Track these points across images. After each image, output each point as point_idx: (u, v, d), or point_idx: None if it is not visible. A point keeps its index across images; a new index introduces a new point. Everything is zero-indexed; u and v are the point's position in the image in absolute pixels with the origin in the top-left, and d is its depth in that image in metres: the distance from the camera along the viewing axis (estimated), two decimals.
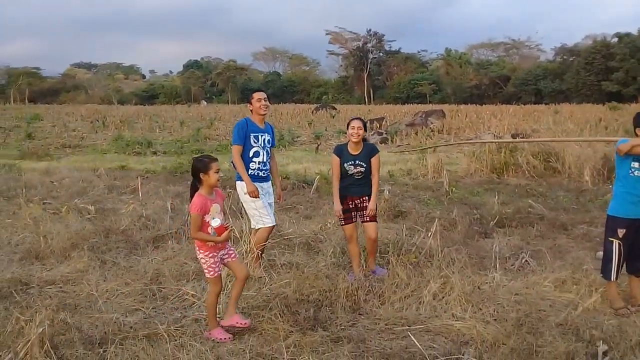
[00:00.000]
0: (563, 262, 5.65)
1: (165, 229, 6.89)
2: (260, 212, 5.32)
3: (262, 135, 5.41)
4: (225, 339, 3.91)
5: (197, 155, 4.27)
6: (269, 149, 5.51)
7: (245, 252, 5.22)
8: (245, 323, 4.00)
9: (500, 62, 73.30)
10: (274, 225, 5.44)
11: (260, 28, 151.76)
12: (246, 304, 4.37)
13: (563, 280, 4.92)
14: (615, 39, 58.58)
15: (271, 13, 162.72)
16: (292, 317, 4.10)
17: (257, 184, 5.30)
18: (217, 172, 3.95)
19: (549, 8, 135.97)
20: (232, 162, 5.48)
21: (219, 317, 4.08)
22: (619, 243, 4.43)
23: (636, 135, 4.39)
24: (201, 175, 3.92)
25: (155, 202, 8.62)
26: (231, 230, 4.07)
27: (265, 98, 5.46)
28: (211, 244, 3.92)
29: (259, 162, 5.39)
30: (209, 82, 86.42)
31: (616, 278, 4.47)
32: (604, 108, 35.93)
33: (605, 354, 3.62)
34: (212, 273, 3.98)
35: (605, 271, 4.52)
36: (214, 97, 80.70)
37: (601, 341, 3.72)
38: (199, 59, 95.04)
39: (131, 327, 4.08)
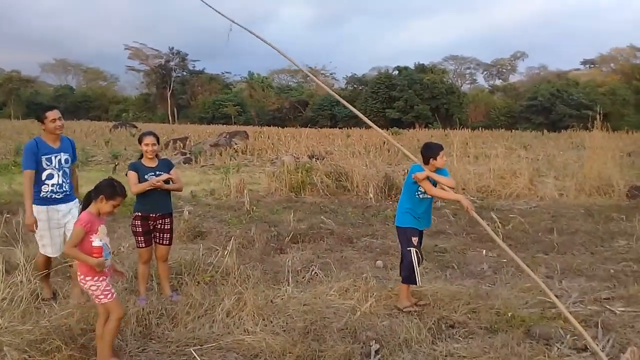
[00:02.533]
0: (347, 272, 6.18)
1: None
2: (42, 240, 4.93)
3: (56, 156, 4.99)
4: None
5: (110, 178, 3.84)
6: (66, 169, 5.09)
7: (21, 282, 4.71)
8: None
9: (299, 88, 77.53)
10: (54, 257, 5.02)
11: (50, 37, 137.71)
12: (20, 338, 3.94)
13: (346, 288, 5.37)
14: (396, 72, 66.27)
15: (64, 22, 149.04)
16: (75, 347, 3.83)
17: (52, 207, 4.93)
18: (115, 207, 3.69)
19: (341, 39, 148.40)
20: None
21: None
22: (415, 250, 4.95)
23: (426, 164, 4.96)
24: (101, 197, 3.64)
25: None
26: (109, 262, 3.72)
27: (60, 117, 5.05)
28: (97, 268, 3.57)
29: (53, 185, 4.95)
30: None
31: (419, 281, 5.00)
32: (388, 133, 40.27)
33: (377, 352, 4.09)
34: (109, 296, 3.70)
35: (410, 278, 4.96)
36: None
37: (374, 341, 4.19)
38: None
39: None
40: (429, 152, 4.98)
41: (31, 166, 4.87)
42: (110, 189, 3.71)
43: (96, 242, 3.63)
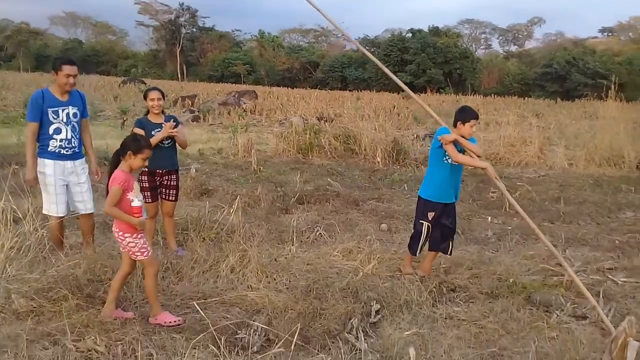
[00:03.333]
0: (352, 233, 6.22)
1: None
2: (49, 197, 4.81)
3: (63, 110, 4.78)
4: (175, 321, 3.72)
5: (133, 134, 3.85)
6: (75, 124, 4.86)
7: (29, 232, 4.77)
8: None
9: (310, 48, 76.40)
10: (63, 216, 4.89)
11: None
12: (28, 287, 4.02)
13: (350, 249, 5.41)
14: (409, 35, 65.02)
15: None
16: (81, 297, 3.90)
17: (60, 162, 4.78)
18: (145, 161, 3.71)
19: (353, 0, 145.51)
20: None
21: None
22: (428, 225, 4.81)
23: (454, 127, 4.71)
24: (129, 154, 3.65)
25: None
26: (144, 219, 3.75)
27: (75, 75, 4.78)
28: (139, 227, 3.65)
29: (61, 140, 4.77)
30: None
31: (418, 254, 4.96)
32: (398, 97, 39.84)
33: (377, 312, 4.14)
34: (145, 253, 3.74)
35: (411, 247, 4.94)
36: (1, 62, 70.69)
37: (375, 301, 4.23)
38: None
39: None
40: (462, 115, 4.71)
41: (35, 118, 4.72)
42: (136, 142, 3.73)
43: (136, 202, 3.64)
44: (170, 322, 3.75)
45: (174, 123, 5.21)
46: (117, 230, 3.75)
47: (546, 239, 3.94)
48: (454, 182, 4.85)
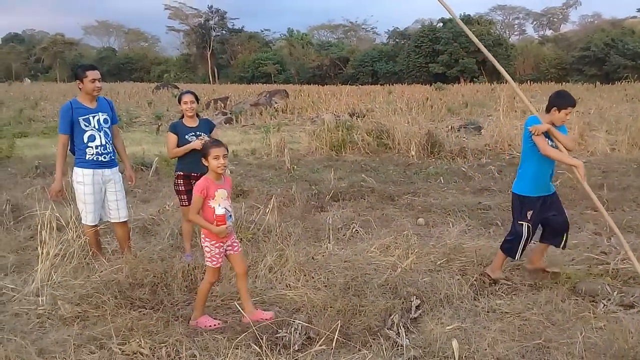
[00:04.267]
0: (388, 229, 6.15)
1: None
2: (85, 207, 4.88)
3: (94, 116, 4.85)
4: (213, 324, 3.79)
5: (210, 138, 3.97)
6: (107, 130, 4.92)
7: (72, 239, 4.90)
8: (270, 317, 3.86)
9: (340, 44, 76.31)
10: (96, 225, 4.98)
11: None
12: (73, 293, 4.14)
13: (387, 245, 5.36)
14: (441, 24, 64.08)
15: None
16: (124, 302, 3.99)
17: (98, 171, 4.86)
18: (218, 159, 3.70)
19: None
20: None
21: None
22: (528, 226, 4.44)
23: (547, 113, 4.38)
24: (203, 159, 3.77)
25: None
26: (229, 227, 3.81)
27: (99, 79, 4.85)
28: (219, 236, 3.74)
29: (97, 146, 4.83)
30: (33, 57, 78.10)
31: (520, 257, 4.57)
32: (431, 88, 39.39)
33: (418, 307, 4.09)
34: (214, 263, 3.82)
35: (510, 251, 4.53)
36: (39, 74, 73.25)
37: (415, 296, 4.18)
38: (20, 32, 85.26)
39: None
40: (557, 100, 4.34)
41: (65, 130, 4.78)
42: (204, 146, 3.83)
43: (219, 210, 3.68)
44: (210, 326, 3.79)
45: (203, 139, 5.22)
46: (202, 233, 3.86)
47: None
48: (551, 172, 4.50)
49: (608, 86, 39.26)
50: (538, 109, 4.56)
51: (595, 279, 4.59)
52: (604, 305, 4.12)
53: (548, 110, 4.39)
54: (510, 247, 4.53)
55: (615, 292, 4.30)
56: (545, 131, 4.25)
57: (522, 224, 4.45)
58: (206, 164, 3.78)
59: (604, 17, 73.01)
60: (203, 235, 3.83)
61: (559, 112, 4.31)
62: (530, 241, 4.53)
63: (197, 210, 3.74)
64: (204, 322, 3.83)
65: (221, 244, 3.81)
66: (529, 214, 4.44)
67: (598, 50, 54.80)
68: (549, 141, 4.30)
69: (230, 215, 3.83)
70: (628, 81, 29.28)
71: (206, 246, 3.81)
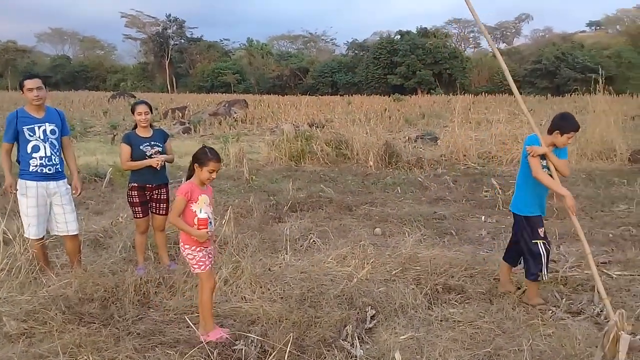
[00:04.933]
0: (346, 239, 6.18)
1: None
2: (28, 219, 4.72)
3: (39, 126, 4.70)
4: (226, 335, 3.68)
5: (207, 146, 3.79)
6: (54, 141, 4.78)
7: (19, 253, 4.72)
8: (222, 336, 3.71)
9: (300, 55, 76.58)
10: (42, 237, 4.80)
11: (44, 6, 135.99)
12: (19, 309, 3.98)
13: (344, 256, 5.38)
14: (398, 36, 65.22)
15: None
16: (73, 317, 3.87)
17: (42, 183, 4.69)
18: (212, 173, 3.63)
19: (341, 5, 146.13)
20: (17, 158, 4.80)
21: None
22: (543, 242, 4.31)
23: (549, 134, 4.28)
24: (196, 165, 3.66)
25: None
26: (211, 234, 3.69)
27: (39, 87, 4.68)
28: (200, 240, 3.62)
29: (41, 157, 4.68)
30: None
31: (547, 276, 4.38)
32: (389, 99, 39.96)
33: (373, 317, 4.11)
34: (202, 267, 3.69)
35: (534, 274, 4.33)
36: None
37: (370, 307, 4.21)
38: None
39: None
40: (560, 123, 4.23)
41: (9, 139, 4.66)
42: (202, 155, 3.67)
43: (202, 214, 3.61)
44: (222, 337, 3.67)
45: (161, 160, 5.16)
46: (180, 241, 3.76)
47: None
48: (547, 191, 4.40)
49: (559, 98, 40.80)
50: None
51: (545, 286, 4.72)
52: (552, 312, 4.24)
53: (550, 132, 4.27)
54: (532, 270, 4.34)
55: (564, 299, 4.45)
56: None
57: (537, 242, 4.31)
58: (196, 171, 3.68)
59: (555, 31, 75.79)
60: (182, 243, 3.73)
61: (562, 136, 4.21)
62: (550, 255, 4.39)
63: (178, 213, 3.64)
64: (215, 335, 3.69)
65: (203, 248, 3.70)
66: (541, 231, 4.32)
67: (549, 64, 56.89)
68: (543, 161, 4.23)
69: (211, 222, 3.73)
70: (577, 94, 30.40)
71: (188, 253, 3.71)
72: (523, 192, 4.41)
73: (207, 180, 3.70)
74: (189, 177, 3.79)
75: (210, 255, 3.81)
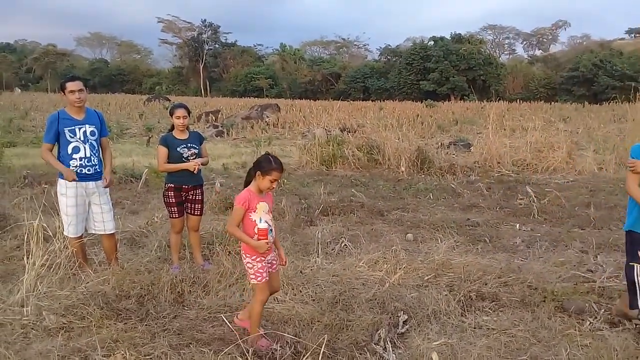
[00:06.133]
0: (377, 244, 6.16)
1: None
2: (67, 218, 4.86)
3: (80, 128, 4.84)
4: (269, 346, 3.59)
5: (267, 153, 3.71)
6: (94, 142, 4.90)
7: (59, 249, 4.86)
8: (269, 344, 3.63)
9: (332, 60, 76.85)
10: (80, 236, 4.93)
11: (84, 10, 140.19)
12: (58, 304, 4.10)
13: (375, 260, 5.37)
14: (432, 42, 64.84)
15: None
16: (110, 313, 3.97)
17: (82, 184, 4.82)
18: (273, 183, 3.54)
19: (375, 12, 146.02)
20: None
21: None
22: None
23: None
24: (258, 173, 3.54)
25: None
26: (269, 242, 3.59)
27: (81, 89, 4.82)
28: (259, 250, 3.56)
29: (81, 158, 4.81)
30: (24, 67, 77.89)
31: None
32: (422, 105, 39.72)
33: (405, 322, 4.09)
34: (259, 279, 3.60)
35: (633, 303, 3.86)
36: (30, 84, 72.93)
37: (402, 312, 4.19)
38: (11, 42, 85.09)
39: None
40: None
41: (50, 140, 4.78)
42: (266, 163, 3.55)
43: (261, 223, 3.53)
44: (265, 347, 3.59)
45: (198, 165, 5.25)
46: (241, 249, 3.71)
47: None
48: None
49: (596, 106, 39.84)
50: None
51: (582, 296, 4.62)
52: (590, 322, 4.15)
53: None
54: (631, 298, 3.88)
55: (602, 310, 4.34)
56: None
57: (633, 267, 3.77)
58: (257, 179, 3.57)
59: (592, 39, 74.37)
60: (243, 251, 3.67)
61: None
62: None
63: (237, 223, 3.55)
64: (260, 345, 3.61)
65: (262, 258, 3.62)
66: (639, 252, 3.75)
67: (587, 71, 55.66)
68: None
69: (271, 230, 3.65)
70: (616, 102, 29.68)
71: (247, 262, 3.63)
72: (631, 206, 3.94)
73: (267, 190, 3.60)
74: (247, 184, 3.71)
75: (272, 263, 3.74)
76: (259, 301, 3.63)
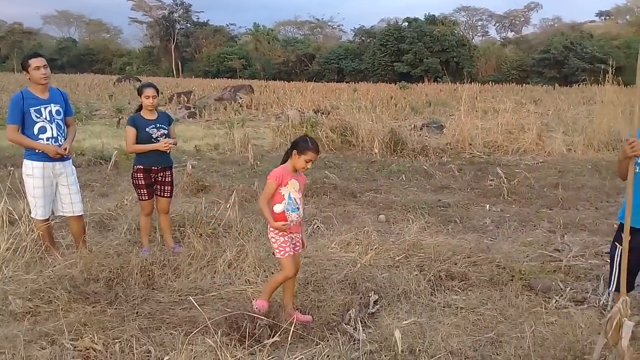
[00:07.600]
0: (349, 225, 6.18)
1: None
2: (35, 200, 4.73)
3: (45, 107, 4.69)
4: (264, 308, 3.74)
5: (305, 135, 3.84)
6: (60, 122, 4.78)
7: (25, 233, 4.76)
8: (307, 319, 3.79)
9: (306, 41, 76.17)
10: (48, 218, 4.83)
11: None
12: (24, 288, 4.02)
13: (348, 241, 5.39)
14: (405, 24, 64.73)
15: None
16: (78, 297, 3.91)
17: (49, 164, 4.70)
18: (308, 163, 3.66)
19: None
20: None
21: None
22: (621, 248, 3.32)
23: None
24: (294, 152, 3.68)
25: None
26: (290, 223, 3.71)
27: (45, 65, 4.68)
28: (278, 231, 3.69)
29: (48, 139, 4.68)
30: None
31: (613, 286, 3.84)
32: (396, 87, 39.77)
33: (375, 302, 4.13)
34: (282, 253, 3.72)
35: (610, 280, 3.92)
36: None
37: (373, 292, 4.23)
38: None
39: None
40: None
41: (15, 120, 4.61)
42: (303, 143, 3.69)
43: (277, 207, 3.67)
44: (259, 309, 3.74)
45: (170, 144, 5.17)
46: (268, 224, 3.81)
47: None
48: None
49: (566, 88, 40.44)
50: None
51: (549, 275, 4.73)
52: (556, 300, 4.25)
53: None
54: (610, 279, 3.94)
55: (568, 288, 4.45)
56: None
57: (616, 244, 3.70)
58: (293, 157, 3.70)
59: (564, 21, 75.27)
60: (268, 226, 3.79)
61: None
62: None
63: (268, 196, 3.69)
64: (258, 305, 3.78)
65: (285, 233, 3.74)
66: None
67: (557, 53, 56.41)
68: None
69: (298, 208, 3.77)
70: (585, 84, 30.20)
71: (272, 237, 3.77)
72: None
73: (302, 169, 3.73)
74: (283, 162, 3.82)
75: (295, 243, 3.85)
76: (282, 275, 3.79)
